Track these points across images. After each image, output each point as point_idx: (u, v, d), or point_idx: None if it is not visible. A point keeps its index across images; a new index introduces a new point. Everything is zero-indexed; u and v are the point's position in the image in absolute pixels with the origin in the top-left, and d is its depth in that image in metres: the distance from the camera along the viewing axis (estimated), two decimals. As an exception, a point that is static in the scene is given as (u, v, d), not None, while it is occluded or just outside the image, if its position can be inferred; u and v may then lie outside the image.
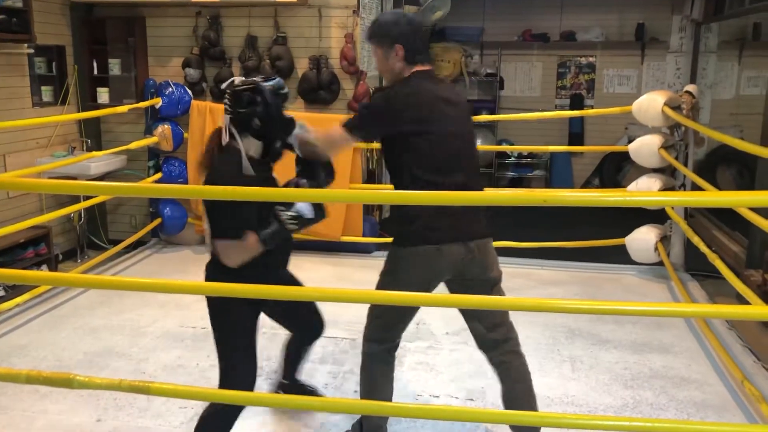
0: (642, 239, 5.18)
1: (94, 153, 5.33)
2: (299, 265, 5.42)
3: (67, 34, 5.75)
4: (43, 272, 4.85)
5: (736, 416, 3.26)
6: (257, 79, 2.55)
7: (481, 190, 2.76)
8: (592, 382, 3.59)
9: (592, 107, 8.25)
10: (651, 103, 4.88)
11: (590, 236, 5.50)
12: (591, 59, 8.41)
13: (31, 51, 5.26)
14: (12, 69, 5.15)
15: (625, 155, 5.48)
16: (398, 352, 2.87)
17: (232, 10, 5.69)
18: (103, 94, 5.92)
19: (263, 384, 3.37)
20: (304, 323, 2.99)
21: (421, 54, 2.66)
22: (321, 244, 5.59)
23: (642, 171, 5.36)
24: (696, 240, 4.48)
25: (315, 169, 2.67)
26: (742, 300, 3.61)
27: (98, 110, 5.56)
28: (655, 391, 3.49)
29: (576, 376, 3.65)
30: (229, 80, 2.58)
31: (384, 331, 2.75)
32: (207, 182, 2.49)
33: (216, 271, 2.54)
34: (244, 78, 2.60)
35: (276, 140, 2.57)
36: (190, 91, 5.70)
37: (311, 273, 5.28)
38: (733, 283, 3.71)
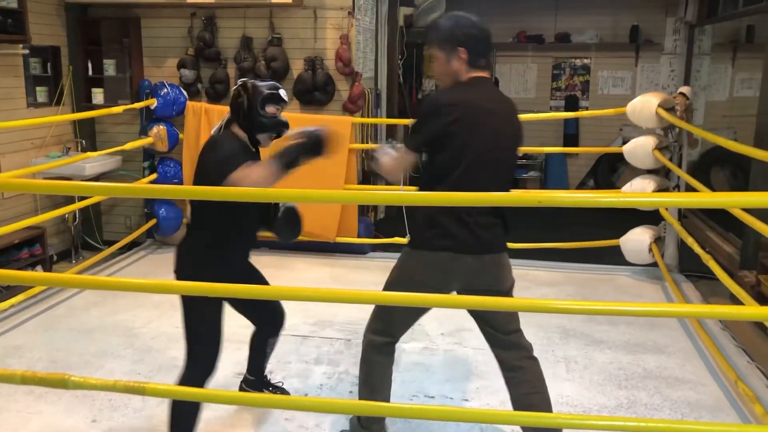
0: (636, 240, 5.20)
1: (89, 154, 5.33)
2: (293, 266, 5.48)
3: (62, 34, 5.74)
4: (38, 273, 4.84)
5: (729, 416, 3.27)
6: (255, 80, 2.84)
7: (507, 216, 2.71)
8: (586, 382, 3.60)
9: (586, 109, 8.26)
10: (645, 105, 4.90)
11: (585, 237, 5.52)
12: (586, 61, 8.44)
13: (26, 51, 5.25)
14: (7, 69, 5.14)
15: (620, 156, 5.51)
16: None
17: (227, 11, 5.69)
18: (98, 95, 5.92)
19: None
20: (266, 314, 3.07)
21: (483, 58, 2.61)
22: (316, 244, 5.59)
23: (636, 172, 5.38)
24: (690, 241, 4.50)
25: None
26: (735, 301, 3.63)
27: (93, 111, 5.55)
28: (650, 392, 3.50)
29: (570, 377, 3.66)
30: (241, 79, 2.88)
31: (388, 325, 2.75)
32: (205, 150, 2.73)
33: (186, 261, 2.74)
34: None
35: (256, 134, 2.78)
36: (185, 92, 5.70)
37: (306, 274, 5.29)
38: (727, 283, 3.72)
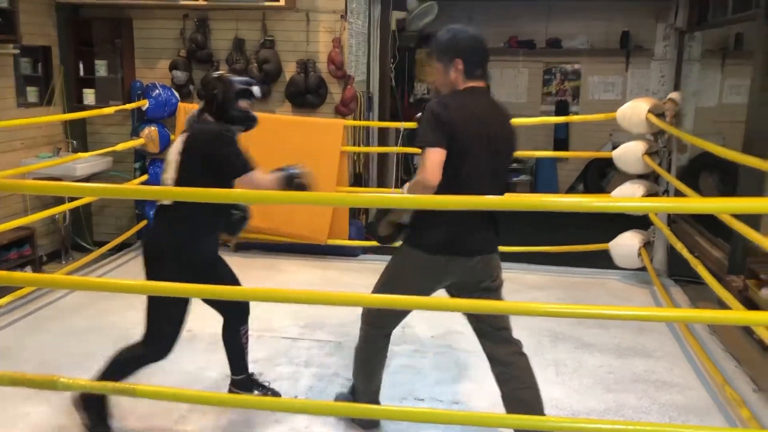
0: (625, 245, 5.22)
1: (80, 154, 5.31)
2: (284, 268, 5.48)
3: (53, 34, 5.72)
4: (27, 274, 4.81)
5: (717, 420, 3.30)
6: (231, 74, 3.01)
7: (499, 219, 2.77)
8: (575, 385, 3.62)
9: (577, 113, 8.31)
10: (635, 110, 4.93)
11: (574, 241, 5.54)
12: (576, 66, 8.49)
13: (17, 51, 5.23)
14: (-3, 69, 5.13)
15: (610, 161, 5.53)
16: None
17: (219, 13, 5.69)
18: (89, 96, 5.90)
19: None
20: (230, 305, 3.11)
21: (479, 69, 2.68)
22: (307, 247, 5.59)
23: (626, 177, 5.41)
24: (679, 246, 4.53)
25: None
26: (723, 305, 3.65)
27: (84, 111, 5.53)
28: (638, 395, 3.52)
29: (560, 380, 3.67)
30: (218, 72, 3.05)
31: (379, 317, 2.87)
32: (208, 142, 2.83)
33: (165, 244, 2.85)
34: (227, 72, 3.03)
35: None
36: (177, 94, 5.69)
37: (297, 276, 5.29)
38: (715, 288, 3.75)
